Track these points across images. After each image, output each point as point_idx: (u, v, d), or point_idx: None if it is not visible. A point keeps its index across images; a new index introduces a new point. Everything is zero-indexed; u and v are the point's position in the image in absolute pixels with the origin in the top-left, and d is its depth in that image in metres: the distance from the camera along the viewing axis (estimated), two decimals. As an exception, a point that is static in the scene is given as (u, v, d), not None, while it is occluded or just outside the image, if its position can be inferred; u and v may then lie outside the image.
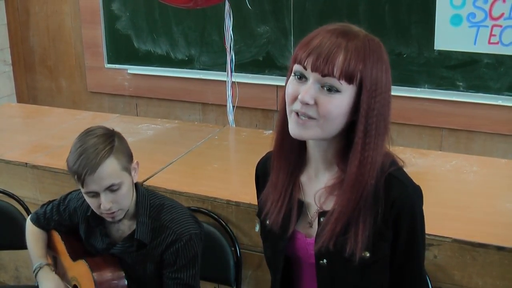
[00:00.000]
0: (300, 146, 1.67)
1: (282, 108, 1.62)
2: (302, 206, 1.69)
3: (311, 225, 1.69)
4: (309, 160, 1.68)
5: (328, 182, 1.63)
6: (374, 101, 1.52)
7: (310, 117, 1.51)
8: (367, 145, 1.53)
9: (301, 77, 1.53)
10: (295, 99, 1.53)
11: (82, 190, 2.17)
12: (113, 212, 2.18)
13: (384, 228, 1.58)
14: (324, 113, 1.50)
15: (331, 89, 1.49)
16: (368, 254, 1.58)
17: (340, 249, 1.59)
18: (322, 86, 1.50)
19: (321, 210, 1.64)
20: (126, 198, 2.20)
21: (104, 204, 2.14)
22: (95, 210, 2.21)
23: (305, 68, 1.51)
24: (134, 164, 2.24)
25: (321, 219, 1.63)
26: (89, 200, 2.19)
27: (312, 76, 1.50)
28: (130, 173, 2.20)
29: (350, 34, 1.53)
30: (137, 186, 2.30)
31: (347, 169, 1.57)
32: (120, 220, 2.27)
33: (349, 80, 1.49)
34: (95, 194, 2.15)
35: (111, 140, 2.16)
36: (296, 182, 1.70)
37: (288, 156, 1.68)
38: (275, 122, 1.70)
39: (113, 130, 2.24)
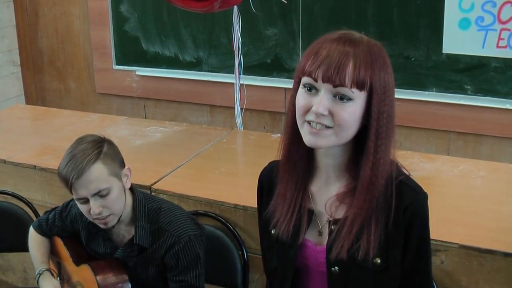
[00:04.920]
0: (308, 156, 1.68)
1: (289, 121, 1.64)
2: (312, 215, 1.70)
3: (320, 234, 1.70)
4: (319, 169, 1.69)
5: (339, 190, 1.65)
6: (384, 104, 1.54)
7: (326, 126, 1.53)
8: (379, 147, 1.56)
9: (311, 89, 1.54)
10: (307, 110, 1.54)
11: (74, 197, 2.18)
12: (105, 218, 2.18)
13: (396, 234, 1.60)
14: (339, 121, 1.52)
15: (344, 98, 1.51)
16: (379, 261, 1.60)
17: (353, 256, 1.60)
18: (335, 96, 1.51)
19: (332, 219, 1.65)
20: (117, 204, 2.19)
21: (94, 209, 2.14)
22: (87, 216, 2.22)
23: (315, 80, 1.52)
24: (125, 170, 2.24)
25: (332, 227, 1.64)
26: (80, 207, 2.19)
27: (323, 87, 1.51)
28: (120, 179, 2.20)
29: (355, 42, 1.54)
30: (133, 190, 2.31)
31: (361, 173, 1.58)
32: (116, 225, 2.28)
33: (361, 87, 1.51)
34: (85, 200, 2.15)
35: (99, 146, 2.17)
36: (305, 192, 1.71)
37: (296, 167, 1.69)
38: (282, 132, 1.70)
39: (103, 137, 2.25)
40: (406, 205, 1.59)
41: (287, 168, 1.70)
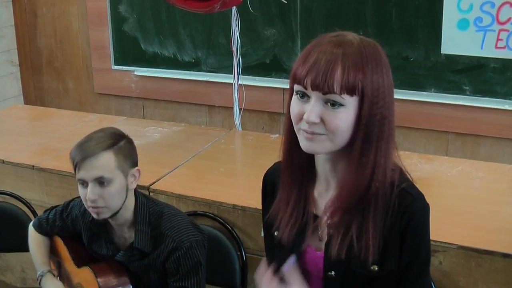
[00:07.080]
0: (309, 161, 1.65)
1: (288, 127, 1.61)
2: (315, 220, 1.68)
3: (321, 239, 1.67)
4: (319, 174, 1.67)
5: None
6: (377, 107, 1.50)
7: (319, 134, 1.50)
8: (366, 151, 1.52)
9: (303, 96, 1.51)
10: (300, 118, 1.51)
11: (76, 178, 2.17)
12: (98, 207, 2.16)
13: (393, 241, 1.57)
14: (332, 128, 1.49)
15: (335, 104, 1.48)
16: (376, 268, 1.58)
17: (349, 261, 1.58)
18: (326, 102, 1.48)
19: (330, 222, 1.62)
20: (115, 199, 2.17)
21: (89, 195, 2.13)
22: (83, 202, 2.20)
23: (305, 87, 1.49)
24: (134, 171, 2.23)
25: (331, 231, 1.62)
26: (80, 190, 2.18)
27: (313, 95, 1.48)
28: (126, 176, 2.19)
29: (345, 43, 1.50)
30: (135, 193, 2.29)
31: (344, 177, 1.56)
32: (118, 228, 2.28)
33: (351, 92, 1.47)
34: (85, 183, 2.14)
35: (117, 139, 2.18)
36: (309, 196, 1.68)
37: (297, 171, 1.66)
38: (282, 136, 1.68)
39: (126, 134, 2.25)
40: (402, 212, 1.55)
41: (289, 172, 1.68)
